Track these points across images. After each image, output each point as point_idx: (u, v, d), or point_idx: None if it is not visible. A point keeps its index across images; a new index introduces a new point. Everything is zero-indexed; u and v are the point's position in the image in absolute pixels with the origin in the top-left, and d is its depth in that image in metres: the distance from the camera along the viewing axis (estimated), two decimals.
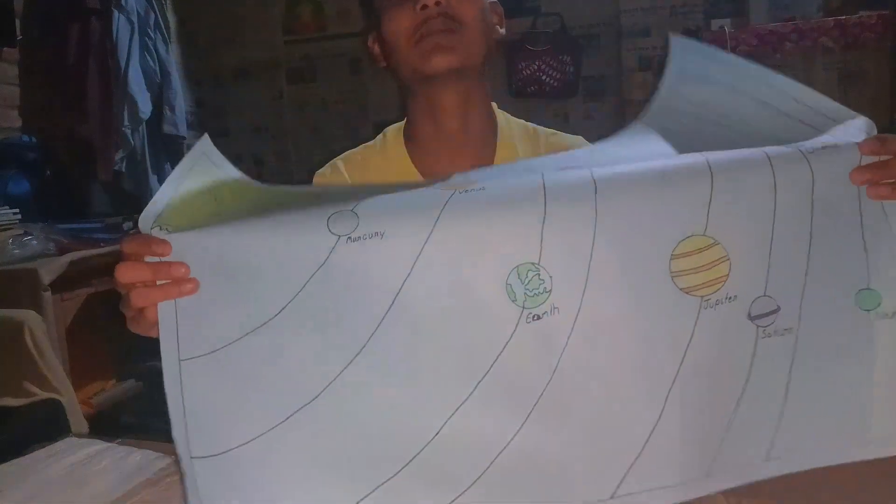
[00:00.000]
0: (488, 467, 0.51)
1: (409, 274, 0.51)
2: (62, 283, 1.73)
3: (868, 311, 0.54)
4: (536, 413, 0.51)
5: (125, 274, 0.50)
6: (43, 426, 1.44)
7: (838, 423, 0.54)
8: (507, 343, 0.51)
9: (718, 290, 0.52)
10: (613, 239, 0.51)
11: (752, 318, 0.53)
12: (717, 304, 0.52)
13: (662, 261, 0.51)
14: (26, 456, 0.69)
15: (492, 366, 0.51)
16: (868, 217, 0.53)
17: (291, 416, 0.50)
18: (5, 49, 2.27)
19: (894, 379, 0.54)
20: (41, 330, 1.54)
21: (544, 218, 0.51)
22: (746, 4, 2.48)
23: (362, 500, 0.51)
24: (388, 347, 0.51)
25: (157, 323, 0.50)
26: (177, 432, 0.49)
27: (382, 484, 0.51)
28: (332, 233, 0.50)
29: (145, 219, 0.51)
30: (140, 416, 2.22)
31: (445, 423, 0.51)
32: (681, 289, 0.52)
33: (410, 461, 0.51)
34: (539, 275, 0.51)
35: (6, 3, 2.23)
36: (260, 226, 0.51)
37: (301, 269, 0.51)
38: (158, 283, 0.50)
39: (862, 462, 0.54)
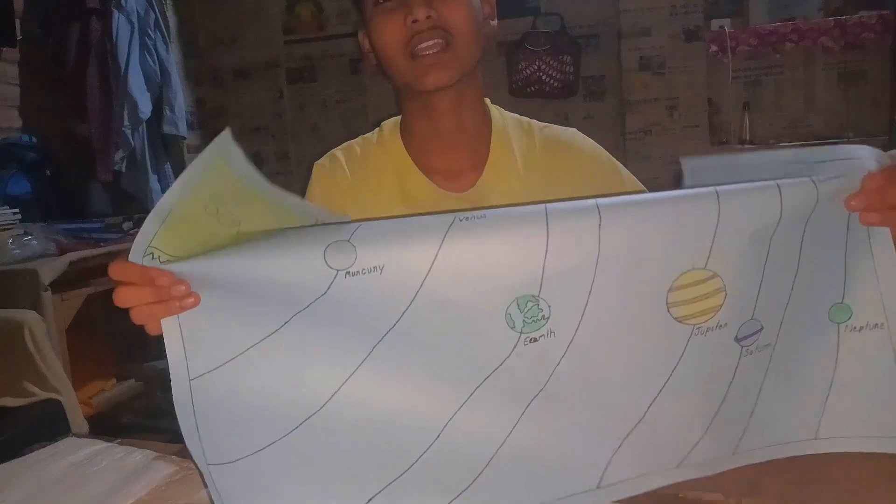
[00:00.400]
0: (486, 466, 0.54)
1: (408, 307, 0.51)
2: (62, 283, 1.73)
3: (838, 323, 0.57)
4: (529, 414, 0.54)
5: (125, 300, 0.49)
6: (43, 426, 1.44)
7: (795, 423, 0.59)
8: (504, 360, 0.53)
9: (711, 318, 0.54)
10: (615, 272, 0.52)
11: (738, 339, 0.55)
12: (707, 332, 0.54)
13: (661, 293, 0.53)
14: (26, 456, 0.69)
15: (488, 376, 0.53)
16: (853, 240, 0.56)
17: (301, 424, 0.52)
18: (5, 49, 2.27)
19: (847, 387, 0.58)
20: (41, 330, 1.54)
21: (546, 250, 0.51)
22: (746, 4, 2.48)
23: (372, 499, 0.53)
24: (388, 363, 0.52)
25: (160, 331, 0.50)
26: (191, 444, 0.50)
27: (389, 484, 0.53)
28: (330, 266, 0.49)
29: (137, 247, 0.49)
30: (140, 416, 2.22)
31: (445, 426, 0.53)
32: (675, 318, 0.54)
33: (414, 462, 0.53)
34: (538, 305, 0.52)
35: (6, 3, 2.23)
36: (256, 257, 0.50)
37: (302, 297, 0.51)
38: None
39: (862, 463, 0.56)
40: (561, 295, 0.52)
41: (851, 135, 2.29)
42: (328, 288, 0.50)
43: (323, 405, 0.52)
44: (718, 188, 0.52)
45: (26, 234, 1.79)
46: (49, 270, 1.68)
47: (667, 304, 0.53)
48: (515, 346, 0.53)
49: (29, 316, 1.54)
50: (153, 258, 0.49)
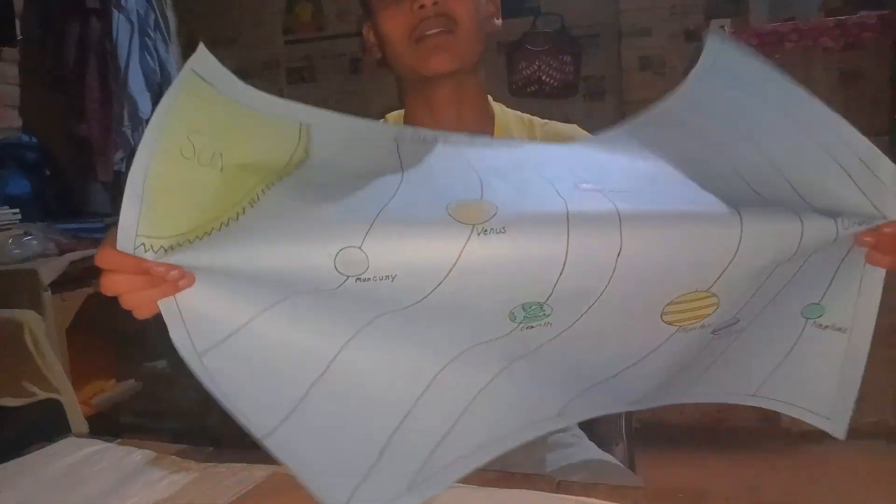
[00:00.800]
0: (466, 408, 0.58)
1: (414, 304, 0.51)
2: (62, 283, 1.72)
3: (807, 318, 0.61)
4: (508, 370, 0.58)
5: (116, 288, 0.48)
6: (43, 426, 1.44)
7: (739, 381, 0.65)
8: (498, 338, 0.55)
9: (697, 322, 0.57)
10: (622, 291, 0.53)
11: (714, 332, 0.59)
12: (690, 331, 0.57)
13: (660, 306, 0.55)
14: (26, 456, 0.69)
15: (477, 344, 0.55)
16: (849, 256, 0.57)
17: (310, 388, 0.53)
18: (5, 49, 2.27)
19: (793, 369, 0.62)
20: (41, 330, 1.54)
21: (562, 272, 0.51)
22: (746, 4, 2.48)
23: (383, 448, 0.55)
24: (388, 331, 0.53)
25: (151, 315, 0.49)
26: (241, 420, 0.50)
27: (392, 435, 0.55)
28: (340, 272, 0.48)
29: (125, 240, 0.46)
30: (140, 416, 2.22)
31: (434, 378, 0.56)
32: (664, 321, 0.56)
33: (406, 416, 0.56)
34: (542, 308, 0.53)
35: (6, 3, 2.22)
36: (261, 258, 0.48)
37: (307, 289, 0.51)
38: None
39: (862, 463, 0.57)
40: (565, 304, 0.53)
41: None
42: (337, 287, 0.49)
43: (327, 366, 0.53)
44: (742, 213, 0.52)
45: (26, 234, 1.79)
46: (49, 270, 1.68)
47: (661, 313, 0.55)
48: (512, 331, 0.54)
49: (29, 316, 1.54)
50: (145, 250, 0.46)
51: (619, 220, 0.51)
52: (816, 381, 0.62)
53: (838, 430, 0.62)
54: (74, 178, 2.40)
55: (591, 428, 0.92)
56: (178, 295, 0.49)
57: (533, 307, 0.53)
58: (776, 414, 0.67)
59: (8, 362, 1.48)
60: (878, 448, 1.82)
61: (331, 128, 0.54)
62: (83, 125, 2.39)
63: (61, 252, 1.80)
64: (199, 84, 0.48)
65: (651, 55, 2.63)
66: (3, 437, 1.34)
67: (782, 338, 0.62)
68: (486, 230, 0.49)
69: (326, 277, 0.49)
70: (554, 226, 0.50)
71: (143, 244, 0.47)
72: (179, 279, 0.48)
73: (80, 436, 0.73)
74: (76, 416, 1.55)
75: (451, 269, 0.49)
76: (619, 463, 0.82)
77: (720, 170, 0.58)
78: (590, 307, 0.53)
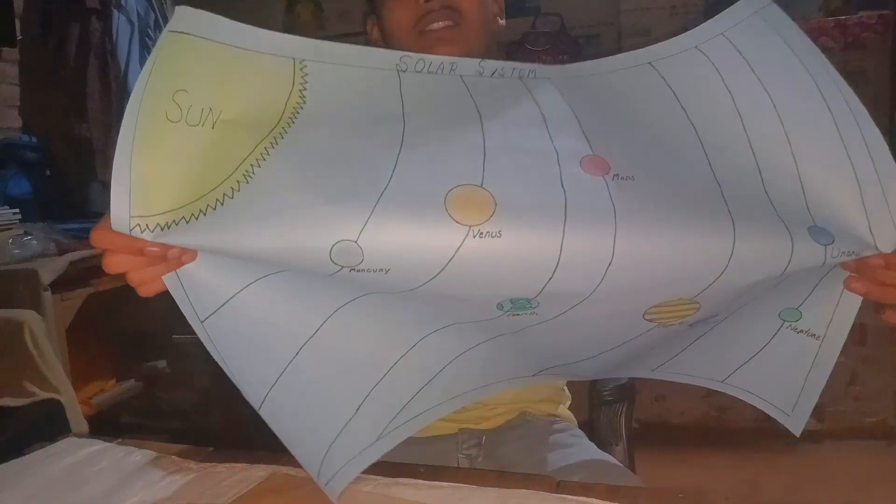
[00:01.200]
0: (444, 367, 0.60)
1: (403, 295, 0.52)
2: (62, 284, 1.72)
3: (784, 320, 0.61)
4: (491, 342, 0.60)
5: (117, 267, 0.48)
6: (43, 426, 1.44)
7: (711, 367, 0.66)
8: (484, 320, 0.56)
9: (677, 321, 0.58)
10: (608, 295, 0.53)
11: (690, 325, 0.60)
12: (669, 326, 0.58)
13: (642, 308, 0.56)
14: (26, 456, 0.68)
15: (461, 323, 0.57)
16: (836, 271, 0.57)
17: (299, 351, 0.54)
18: (5, 49, 2.27)
19: (764, 365, 0.63)
20: (41, 330, 1.54)
21: (551, 277, 0.51)
22: None
23: (360, 405, 0.57)
24: (377, 302, 0.54)
25: (161, 290, 0.50)
26: (238, 384, 0.51)
27: (370, 391, 0.58)
28: (335, 262, 0.48)
29: (119, 222, 0.46)
30: (140, 416, 2.22)
31: (417, 342, 0.58)
32: (646, 319, 0.57)
33: (386, 374, 0.58)
34: (529, 303, 0.54)
35: (6, 3, 2.22)
36: (257, 247, 0.48)
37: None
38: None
39: (862, 463, 0.58)
40: (553, 300, 0.53)
41: None
42: (330, 276, 0.49)
43: (315, 331, 0.54)
44: (737, 231, 0.52)
45: (26, 234, 1.79)
46: (49, 270, 1.68)
47: (644, 313, 0.56)
48: (499, 317, 0.56)
49: (29, 316, 1.53)
50: (140, 230, 0.46)
51: (615, 230, 0.50)
52: (783, 379, 0.63)
53: (796, 426, 0.63)
54: (74, 178, 2.40)
55: (591, 428, 0.92)
56: (179, 269, 0.49)
57: (521, 300, 0.53)
58: None
59: (8, 362, 1.48)
60: (879, 448, 1.82)
61: (327, 63, 0.52)
62: (83, 125, 2.38)
63: (61, 252, 1.80)
64: (183, 40, 0.47)
65: None
66: (3, 437, 1.34)
67: (758, 334, 0.63)
68: (481, 233, 0.49)
69: (321, 266, 0.48)
70: (550, 231, 0.50)
71: (139, 225, 0.46)
72: (181, 255, 0.48)
73: (80, 436, 0.73)
74: (76, 416, 1.55)
75: (443, 268, 0.49)
76: (619, 463, 0.82)
77: (737, 146, 0.57)
78: (575, 306, 0.54)
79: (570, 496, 0.54)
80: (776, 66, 0.57)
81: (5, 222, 1.89)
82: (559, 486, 0.56)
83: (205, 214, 0.47)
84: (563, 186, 0.51)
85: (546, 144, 0.54)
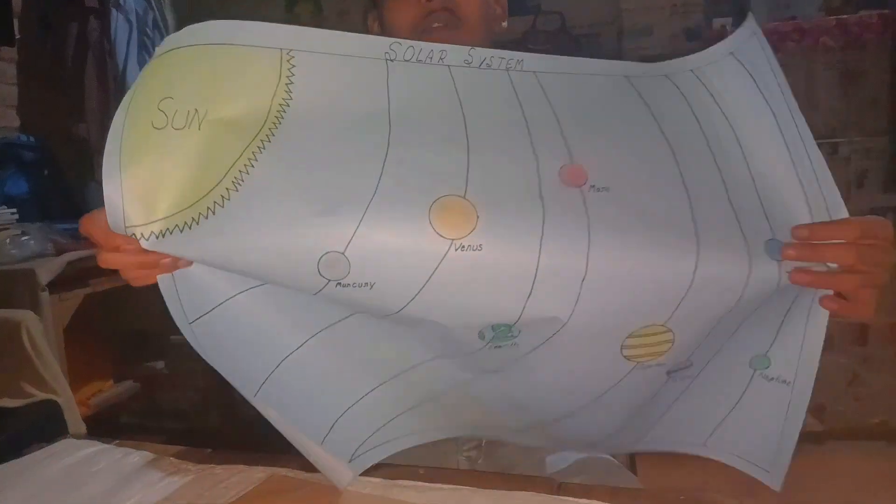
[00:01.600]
0: (419, 404, 0.62)
1: (387, 317, 0.53)
2: (60, 284, 1.72)
3: (755, 369, 0.63)
4: (473, 382, 0.60)
5: (112, 264, 0.49)
6: (40, 427, 1.44)
7: (692, 431, 0.67)
8: (465, 356, 0.57)
9: (653, 359, 0.58)
10: (587, 318, 0.54)
11: (668, 373, 0.61)
12: (647, 368, 0.58)
13: (619, 338, 0.56)
14: (24, 457, 0.68)
15: (443, 358, 0.58)
16: (796, 303, 0.59)
17: (280, 364, 0.55)
18: (4, 49, 2.27)
19: (741, 420, 0.64)
20: (39, 330, 1.54)
21: (532, 290, 0.52)
22: (747, 4, 2.48)
23: (337, 420, 0.58)
24: (358, 329, 0.56)
25: (152, 283, 0.51)
26: (231, 382, 0.52)
27: (350, 407, 0.59)
28: (322, 276, 0.49)
29: (115, 227, 0.47)
30: (138, 417, 2.22)
31: (400, 373, 0.59)
32: (624, 356, 0.57)
33: (361, 398, 0.59)
34: (511, 330, 0.54)
35: (5, 2, 2.22)
36: (246, 258, 0.49)
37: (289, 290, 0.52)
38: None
39: (862, 463, 0.59)
40: (533, 327, 0.54)
41: (852, 134, 2.29)
42: (317, 293, 0.50)
43: (297, 347, 0.55)
44: (700, 237, 0.54)
45: (24, 234, 1.78)
46: (47, 271, 1.68)
47: (621, 345, 0.56)
48: (480, 349, 0.56)
49: (26, 316, 1.53)
50: (136, 237, 0.48)
51: (588, 244, 0.52)
52: (760, 433, 0.64)
53: (775, 482, 0.63)
54: (73, 178, 2.39)
55: None
56: (174, 272, 0.51)
57: (502, 328, 0.54)
58: None
59: (5, 363, 1.48)
60: (880, 449, 1.82)
61: (315, 53, 0.53)
62: (82, 125, 2.38)
63: (59, 252, 1.79)
64: (172, 55, 0.48)
65: (652, 54, 2.63)
66: (0, 437, 1.34)
67: (731, 388, 0.64)
68: (463, 246, 0.50)
69: (308, 280, 0.49)
70: (528, 246, 0.51)
71: (134, 234, 0.47)
72: (176, 261, 0.49)
73: (77, 437, 0.72)
74: (74, 417, 1.55)
75: (426, 283, 0.50)
76: (619, 464, 0.82)
77: (705, 163, 0.59)
78: (555, 333, 0.54)
79: (570, 498, 0.54)
80: (741, 104, 0.61)
81: (3, 222, 1.89)
82: (560, 488, 0.56)
83: (197, 224, 0.48)
84: (541, 199, 0.53)
85: (527, 150, 0.55)
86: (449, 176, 0.52)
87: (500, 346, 0.56)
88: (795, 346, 0.60)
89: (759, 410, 0.63)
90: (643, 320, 0.56)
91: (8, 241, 1.75)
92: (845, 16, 2.27)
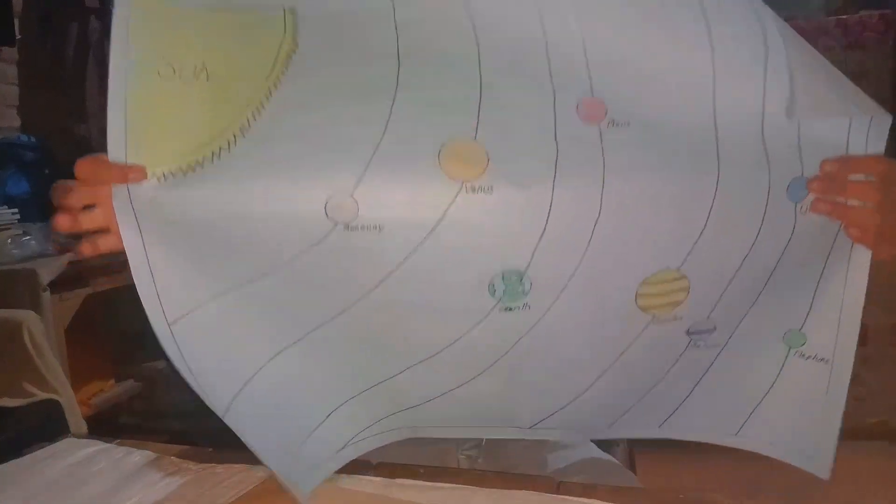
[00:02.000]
0: (429, 400, 0.59)
1: (394, 269, 0.50)
2: (61, 284, 1.72)
3: (790, 347, 0.60)
4: (485, 375, 0.57)
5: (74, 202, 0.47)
6: (41, 427, 1.44)
7: (722, 418, 0.63)
8: (475, 325, 0.54)
9: (670, 312, 0.56)
10: (600, 263, 0.52)
11: (689, 333, 0.58)
12: (663, 322, 0.56)
13: (634, 284, 0.54)
14: (25, 456, 0.68)
15: (457, 340, 0.54)
16: (831, 267, 0.56)
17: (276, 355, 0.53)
18: (4, 49, 2.27)
19: (777, 404, 0.61)
20: (40, 330, 1.54)
21: (543, 232, 0.51)
22: None
23: (333, 411, 0.57)
24: (363, 318, 0.53)
25: (119, 249, 0.48)
26: (198, 392, 0.50)
27: (348, 399, 0.57)
28: (330, 218, 0.48)
29: (116, 150, 0.46)
30: (139, 417, 2.21)
31: (404, 370, 0.56)
32: (639, 306, 0.55)
33: (374, 386, 0.58)
34: (521, 280, 0.52)
35: (5, 2, 2.22)
36: (251, 201, 0.47)
37: (290, 246, 0.49)
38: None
39: (862, 463, 0.58)
40: (546, 274, 0.52)
41: None
42: (323, 238, 0.48)
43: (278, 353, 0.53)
44: (721, 172, 0.51)
45: (25, 234, 1.78)
46: (48, 270, 1.68)
47: (635, 294, 0.54)
48: (489, 313, 0.53)
49: (28, 316, 1.53)
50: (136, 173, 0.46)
51: (602, 186, 0.50)
52: (800, 418, 0.60)
53: (822, 470, 0.60)
54: (73, 178, 2.39)
55: None
56: (152, 261, 0.48)
57: (512, 278, 0.52)
58: None
59: (7, 363, 1.48)
60: (880, 449, 1.82)
61: (319, 4, 0.52)
62: (83, 125, 2.38)
63: (60, 252, 1.79)
64: (178, 11, 0.47)
65: None
66: (1, 437, 1.34)
67: (765, 368, 0.61)
68: (474, 188, 0.49)
69: (315, 225, 0.48)
70: (539, 188, 0.49)
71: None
72: (129, 171, 0.46)
73: (78, 436, 0.72)
74: (75, 416, 1.55)
75: (436, 225, 0.49)
76: (619, 463, 0.82)
77: (751, 84, 0.55)
78: (565, 287, 0.53)
79: (570, 497, 0.54)
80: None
81: (4, 222, 1.89)
82: (560, 487, 0.56)
83: (202, 166, 0.47)
84: (555, 140, 0.51)
85: (544, 81, 0.52)
86: (460, 115, 0.50)
87: (510, 310, 0.53)
88: (832, 319, 0.57)
89: (797, 392, 0.59)
90: (656, 264, 0.54)
91: (9, 241, 1.75)
92: (846, 16, 2.27)
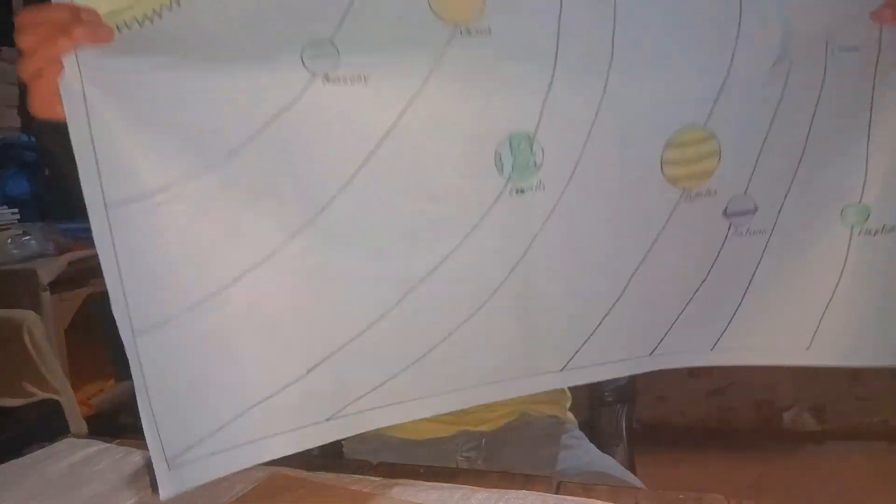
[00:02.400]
0: (444, 339, 0.49)
1: (387, 132, 0.44)
2: (61, 284, 1.72)
3: (851, 226, 0.52)
4: (503, 290, 0.49)
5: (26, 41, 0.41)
6: (42, 427, 1.44)
7: (785, 330, 0.53)
8: (484, 215, 0.47)
9: (702, 183, 0.50)
10: (615, 120, 0.47)
11: (727, 214, 0.51)
12: (696, 198, 0.50)
13: (657, 146, 0.49)
14: (25, 456, 0.68)
15: (464, 240, 0.47)
16: (877, 127, 0.50)
17: (242, 276, 0.45)
18: (4, 49, 2.27)
19: (851, 299, 0.52)
20: (40, 330, 1.54)
21: (550, 87, 0.45)
22: None
23: (312, 369, 0.48)
24: (351, 214, 0.45)
25: (56, 114, 0.43)
26: (116, 310, 0.46)
27: (339, 349, 0.48)
28: (307, 68, 0.42)
29: None
30: (139, 417, 2.21)
31: (404, 297, 0.48)
32: (666, 177, 0.49)
33: (368, 328, 0.48)
34: (532, 148, 0.46)
35: (6, 2, 2.22)
36: (219, 58, 0.42)
37: (264, 110, 0.43)
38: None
39: (862, 463, 0.57)
40: (557, 139, 0.47)
41: None
42: (301, 94, 0.43)
43: (267, 257, 0.45)
44: (739, 38, 0.47)
45: (25, 234, 1.79)
46: (48, 270, 1.68)
47: (661, 161, 0.49)
48: (500, 194, 0.47)
49: (28, 316, 1.53)
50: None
51: (614, 23, 0.46)
52: (880, 307, 0.51)
53: None
54: (73, 178, 2.39)
55: (592, 429, 0.92)
56: (123, 275, 0.44)
57: (522, 144, 0.46)
58: (777, 414, 0.65)
59: (6, 362, 1.48)
60: (880, 449, 1.82)
61: None
62: None
63: (60, 252, 1.80)
64: None
65: None
66: (1, 437, 1.34)
67: (827, 261, 0.52)
68: (469, 31, 0.44)
69: (292, 76, 0.42)
70: (543, 27, 0.45)
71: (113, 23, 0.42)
72: (95, 29, 0.41)
73: (78, 436, 0.72)
74: (75, 416, 1.55)
75: (429, 75, 0.44)
76: (619, 464, 0.82)
77: None
78: (581, 155, 0.47)
79: (570, 497, 0.54)
80: None
81: (4, 222, 1.90)
82: (560, 487, 0.56)
83: (160, 17, 0.42)
84: None
85: None
86: None
87: (522, 192, 0.47)
88: (894, 182, 0.50)
89: (868, 280, 0.51)
90: (679, 120, 0.48)
91: (9, 241, 1.75)
92: None
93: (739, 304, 0.54)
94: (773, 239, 0.52)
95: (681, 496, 0.54)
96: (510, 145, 0.47)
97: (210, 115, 0.43)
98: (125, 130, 0.43)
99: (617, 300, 0.52)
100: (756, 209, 0.51)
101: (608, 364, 0.54)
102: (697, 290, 0.53)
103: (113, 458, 0.66)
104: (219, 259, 0.45)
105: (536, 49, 0.45)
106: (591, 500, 0.53)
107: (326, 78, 0.43)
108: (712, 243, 0.52)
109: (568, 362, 0.53)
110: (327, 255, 0.46)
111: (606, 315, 0.52)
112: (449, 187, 0.47)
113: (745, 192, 0.51)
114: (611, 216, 0.51)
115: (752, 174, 0.51)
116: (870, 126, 0.50)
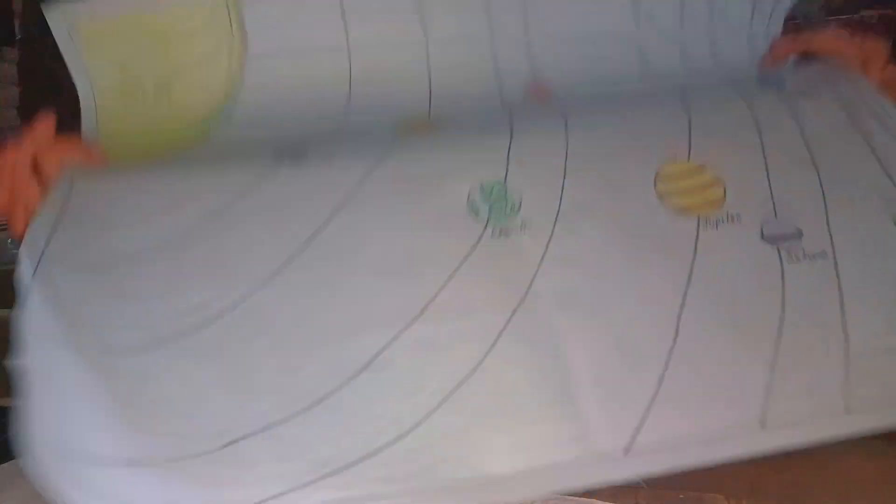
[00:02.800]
0: (434, 410, 0.39)
1: (353, 189, 0.42)
2: None
3: None
4: (504, 342, 0.41)
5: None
6: None
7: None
8: (466, 257, 0.42)
9: (717, 210, 0.46)
10: (588, 162, 0.46)
11: (766, 239, 0.45)
12: (717, 224, 0.45)
13: (646, 183, 0.46)
14: None
15: (445, 284, 0.41)
16: (879, 136, 0.48)
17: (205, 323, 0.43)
18: (5, 49, 2.27)
19: None
20: None
21: (511, 140, 0.44)
22: None
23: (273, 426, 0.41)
24: (309, 272, 0.42)
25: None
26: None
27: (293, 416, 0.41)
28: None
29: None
30: None
31: (375, 357, 0.39)
32: (673, 209, 0.46)
33: (322, 399, 0.40)
34: (506, 193, 0.43)
35: (6, 2, 2.22)
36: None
37: (227, 192, 0.44)
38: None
39: (862, 463, 0.57)
40: (530, 184, 0.44)
41: None
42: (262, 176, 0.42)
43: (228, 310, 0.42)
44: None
45: None
46: None
47: (658, 194, 0.46)
48: (481, 237, 0.42)
49: None
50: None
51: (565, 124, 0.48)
52: None
53: None
54: None
55: None
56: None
57: (495, 188, 0.43)
58: None
59: (6, 363, 1.48)
60: (880, 449, 1.82)
61: None
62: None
63: None
64: (98, 25, 0.45)
65: None
66: (1, 437, 1.34)
67: (889, 269, 0.45)
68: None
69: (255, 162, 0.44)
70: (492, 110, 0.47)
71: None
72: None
73: None
74: None
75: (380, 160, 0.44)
76: None
77: None
78: (562, 194, 0.44)
79: (570, 497, 0.54)
80: None
81: (4, 222, 1.89)
82: None
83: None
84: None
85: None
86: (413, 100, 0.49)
87: (507, 234, 0.44)
88: None
89: None
90: (659, 154, 0.47)
91: (9, 241, 1.74)
92: (846, 16, 2.27)
93: (846, 340, 0.44)
94: (840, 260, 0.46)
95: (681, 496, 0.54)
96: (482, 190, 0.44)
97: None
98: None
99: (670, 355, 0.43)
100: (801, 233, 0.47)
101: (675, 449, 0.42)
102: (781, 337, 0.44)
103: None
104: None
105: (489, 117, 0.47)
106: (591, 500, 0.53)
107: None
108: (768, 275, 0.46)
109: (632, 442, 0.42)
110: (281, 311, 0.43)
111: (663, 376, 0.42)
112: (415, 240, 0.44)
113: (775, 213, 0.47)
114: (622, 257, 0.45)
115: (771, 193, 0.47)
116: (874, 141, 0.50)
